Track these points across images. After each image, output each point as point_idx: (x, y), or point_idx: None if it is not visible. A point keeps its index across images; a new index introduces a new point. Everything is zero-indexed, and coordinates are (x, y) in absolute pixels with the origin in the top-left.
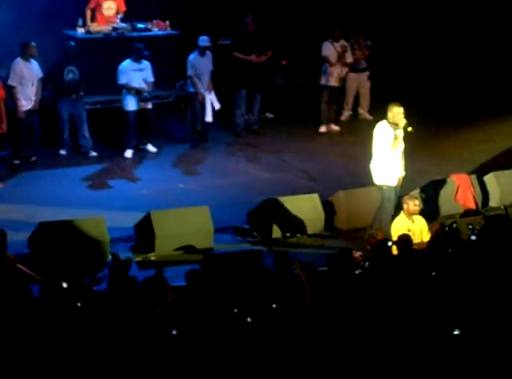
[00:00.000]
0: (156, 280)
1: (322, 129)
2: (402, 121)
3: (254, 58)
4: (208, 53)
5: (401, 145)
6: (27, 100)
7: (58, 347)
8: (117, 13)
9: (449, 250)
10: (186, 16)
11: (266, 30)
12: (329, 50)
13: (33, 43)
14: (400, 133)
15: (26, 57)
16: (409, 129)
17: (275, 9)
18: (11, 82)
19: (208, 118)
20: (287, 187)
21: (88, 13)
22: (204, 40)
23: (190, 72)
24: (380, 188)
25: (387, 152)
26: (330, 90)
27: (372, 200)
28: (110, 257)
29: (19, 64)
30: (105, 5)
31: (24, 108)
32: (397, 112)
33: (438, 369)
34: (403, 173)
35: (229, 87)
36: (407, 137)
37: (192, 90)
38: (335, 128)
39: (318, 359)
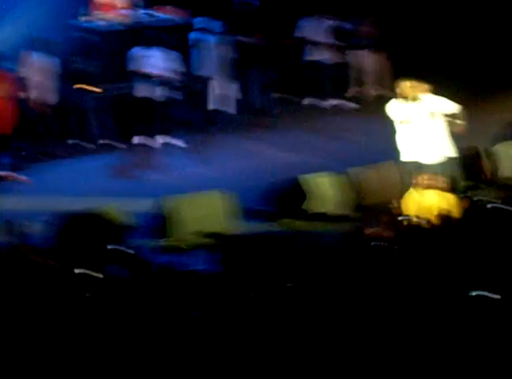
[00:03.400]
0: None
1: (306, 101)
2: (411, 94)
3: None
4: (212, 37)
5: (424, 120)
6: (38, 92)
7: (76, 337)
8: None
9: (469, 219)
10: (197, 2)
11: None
12: (310, 27)
13: (45, 36)
14: (411, 105)
15: (38, 50)
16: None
17: None
18: (26, 74)
19: (212, 105)
20: (303, 167)
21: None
22: (197, 22)
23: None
24: (402, 163)
25: (403, 129)
26: (315, 64)
27: (388, 177)
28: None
29: (30, 57)
30: None
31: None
32: (404, 86)
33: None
34: (434, 149)
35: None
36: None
37: (196, 72)
38: (334, 102)
39: (336, 335)
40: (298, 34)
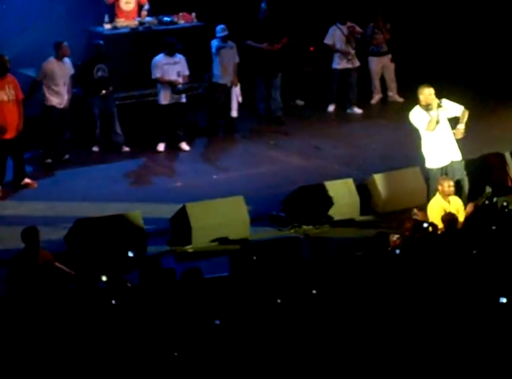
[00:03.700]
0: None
1: (330, 108)
2: (435, 102)
3: (265, 45)
4: (233, 44)
5: (444, 125)
6: (60, 99)
7: (100, 342)
8: (138, 6)
9: (493, 227)
10: (213, 6)
11: (280, 16)
12: (334, 35)
13: (65, 43)
14: (435, 114)
15: (59, 56)
16: (442, 107)
17: None
18: (40, 79)
19: (234, 112)
20: (320, 173)
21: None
22: (222, 29)
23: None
24: (429, 170)
25: (427, 135)
26: (341, 73)
27: (407, 183)
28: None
29: (51, 63)
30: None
31: (58, 106)
32: (428, 93)
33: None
34: (453, 152)
35: (247, 75)
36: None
37: (217, 80)
38: (357, 111)
39: (361, 342)
40: (323, 41)
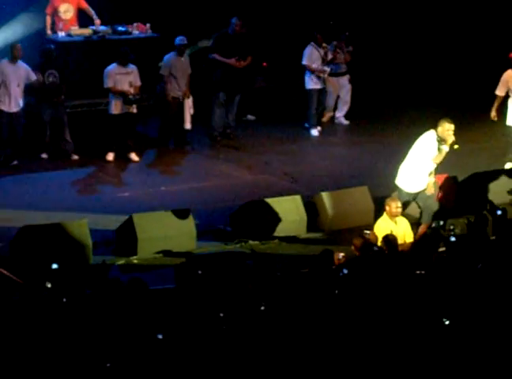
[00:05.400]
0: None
1: (315, 132)
2: (450, 138)
3: (233, 61)
4: (187, 55)
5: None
6: (12, 101)
7: (40, 350)
8: (77, 14)
9: (439, 249)
10: (168, 18)
11: (250, 34)
12: (313, 56)
13: (19, 45)
14: (446, 148)
15: (12, 58)
16: (456, 146)
17: (256, 11)
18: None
19: (187, 125)
20: (269, 189)
21: (48, 20)
22: (181, 39)
23: (162, 71)
24: (399, 189)
25: (424, 163)
26: (318, 92)
27: (354, 202)
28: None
29: (3, 65)
30: (61, 8)
31: (10, 110)
32: (447, 128)
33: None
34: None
35: (208, 89)
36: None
37: (169, 92)
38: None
39: (303, 362)
40: (301, 62)
